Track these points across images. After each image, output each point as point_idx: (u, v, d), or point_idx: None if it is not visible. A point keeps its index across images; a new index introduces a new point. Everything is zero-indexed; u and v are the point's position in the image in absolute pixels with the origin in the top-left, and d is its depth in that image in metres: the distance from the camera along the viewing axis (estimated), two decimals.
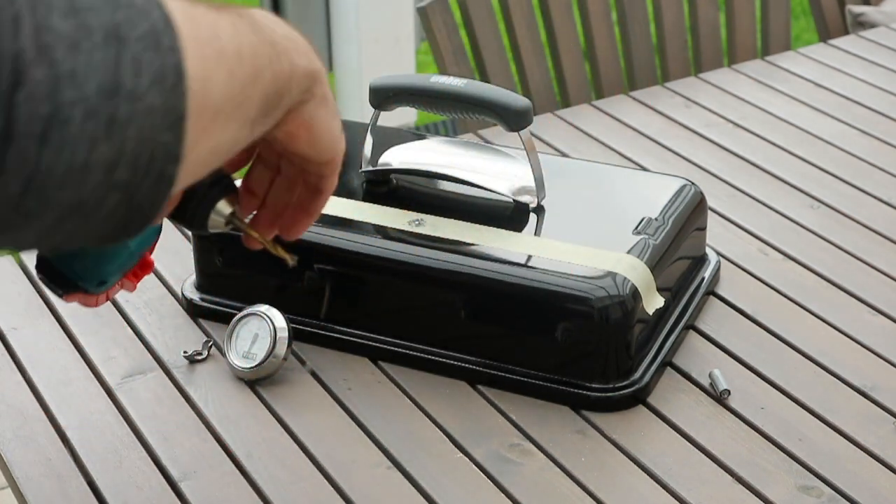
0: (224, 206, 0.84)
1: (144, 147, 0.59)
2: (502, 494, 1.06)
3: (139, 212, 0.62)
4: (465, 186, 1.27)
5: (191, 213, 0.83)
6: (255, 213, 0.88)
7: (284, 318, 1.19)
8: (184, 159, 0.62)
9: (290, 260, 0.87)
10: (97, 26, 0.57)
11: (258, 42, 0.69)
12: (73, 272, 0.90)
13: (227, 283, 1.27)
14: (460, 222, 1.22)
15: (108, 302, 1.31)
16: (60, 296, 0.91)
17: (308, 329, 1.23)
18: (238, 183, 0.87)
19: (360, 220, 1.24)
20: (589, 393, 1.15)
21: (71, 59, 0.56)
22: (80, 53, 0.56)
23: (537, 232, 1.22)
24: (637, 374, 1.16)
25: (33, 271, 1.35)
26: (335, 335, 1.23)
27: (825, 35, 2.25)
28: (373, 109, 1.30)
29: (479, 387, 1.18)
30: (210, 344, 1.23)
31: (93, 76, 0.56)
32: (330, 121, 0.79)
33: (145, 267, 0.97)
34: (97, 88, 0.56)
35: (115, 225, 0.62)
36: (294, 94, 0.74)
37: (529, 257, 1.18)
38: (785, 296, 1.33)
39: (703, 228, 1.33)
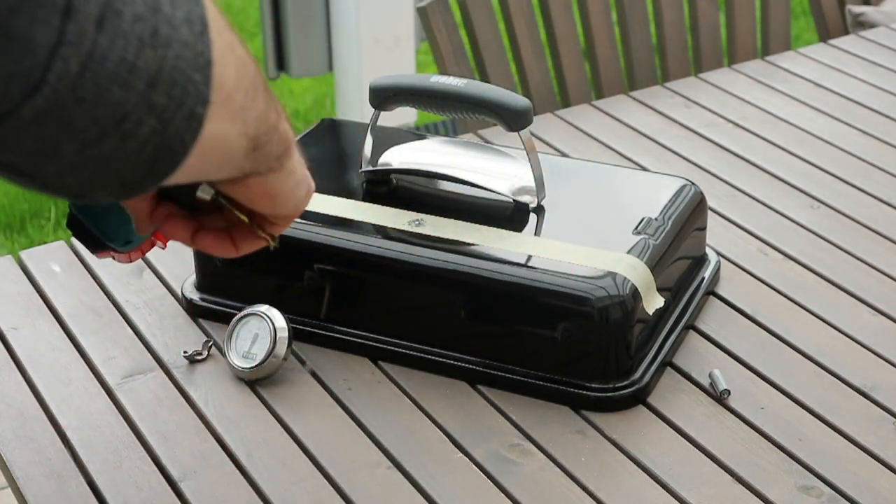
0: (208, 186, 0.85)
1: (179, 76, 0.61)
2: (502, 494, 1.06)
3: (169, 148, 0.63)
4: (465, 186, 1.27)
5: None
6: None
7: (284, 318, 1.19)
8: (211, 106, 0.64)
9: (273, 242, 0.88)
10: None
11: (256, 72, 0.71)
12: (101, 231, 0.92)
13: (227, 283, 1.27)
14: (460, 222, 1.22)
15: (108, 302, 1.31)
16: (93, 252, 0.94)
17: (308, 329, 1.23)
18: None
19: (360, 220, 1.24)
20: (589, 393, 1.15)
21: None
22: None
23: (537, 232, 1.22)
24: (637, 374, 1.16)
25: (33, 271, 1.36)
26: (335, 335, 1.23)
27: (825, 35, 2.25)
28: (373, 109, 1.30)
29: (479, 387, 1.18)
30: (210, 344, 1.23)
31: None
32: (293, 191, 0.82)
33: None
34: (143, 0, 0.59)
35: (145, 160, 0.63)
36: (271, 154, 0.75)
37: (529, 257, 1.18)
38: (785, 296, 1.33)
39: (703, 228, 1.33)
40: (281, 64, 3.18)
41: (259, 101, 0.71)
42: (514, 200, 1.25)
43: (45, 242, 1.66)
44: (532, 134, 1.26)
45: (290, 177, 0.80)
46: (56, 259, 1.39)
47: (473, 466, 1.09)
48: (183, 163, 0.65)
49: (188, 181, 0.69)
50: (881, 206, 1.50)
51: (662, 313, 1.20)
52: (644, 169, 1.57)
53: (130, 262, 0.95)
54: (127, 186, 0.65)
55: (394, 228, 1.22)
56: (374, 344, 1.22)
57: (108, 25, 0.58)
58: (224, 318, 1.23)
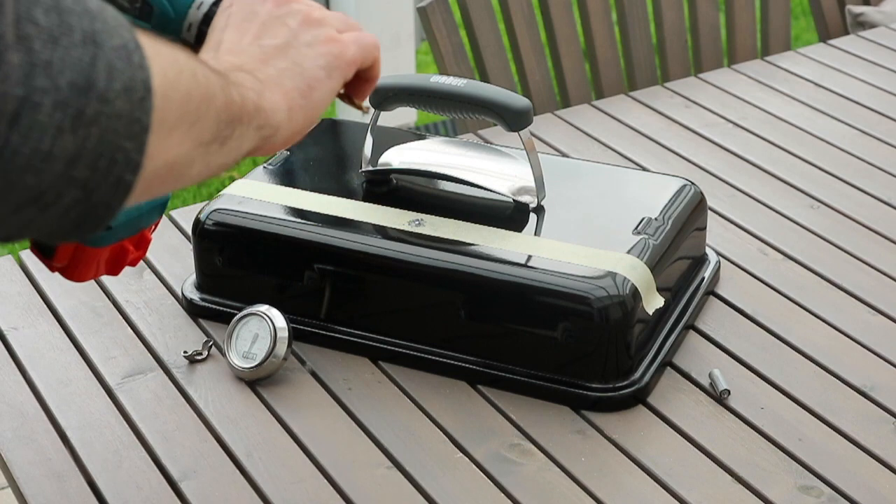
0: None
1: (106, 149, 0.61)
2: (502, 494, 1.06)
3: (94, 213, 0.64)
4: (465, 186, 1.27)
5: None
6: None
7: (284, 318, 1.19)
8: (142, 169, 0.64)
9: (365, 109, 0.94)
10: (77, 28, 0.60)
11: (210, 72, 0.72)
12: None
13: (227, 283, 1.27)
14: (460, 222, 1.22)
15: (108, 302, 1.31)
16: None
17: (308, 329, 1.23)
18: None
19: (360, 220, 1.24)
20: (589, 393, 1.15)
21: (48, 51, 0.58)
22: (59, 48, 0.59)
23: (537, 232, 1.22)
24: (637, 374, 1.16)
25: (33, 271, 1.36)
26: (335, 335, 1.23)
27: (825, 35, 2.25)
28: (373, 109, 1.30)
29: (479, 387, 1.18)
30: (210, 344, 1.23)
31: (67, 71, 0.59)
32: (312, 108, 0.83)
33: (142, 243, 0.98)
34: (69, 83, 0.59)
35: (70, 222, 0.64)
36: (248, 130, 0.76)
37: (529, 257, 1.18)
38: (785, 296, 1.33)
39: (703, 228, 1.33)
40: None
41: (217, 101, 0.72)
42: (514, 200, 1.25)
43: None
44: (532, 134, 1.26)
45: (292, 117, 0.81)
46: None
47: (473, 466, 1.09)
48: (113, 217, 0.65)
49: (153, 195, 0.69)
50: (881, 206, 1.50)
51: (662, 313, 1.20)
52: (644, 169, 1.57)
53: (91, 273, 0.95)
54: (56, 237, 0.65)
55: (394, 228, 1.22)
56: (374, 344, 1.22)
57: (22, 121, 0.58)
58: (224, 318, 1.23)
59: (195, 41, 0.94)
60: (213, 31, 0.87)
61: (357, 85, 0.91)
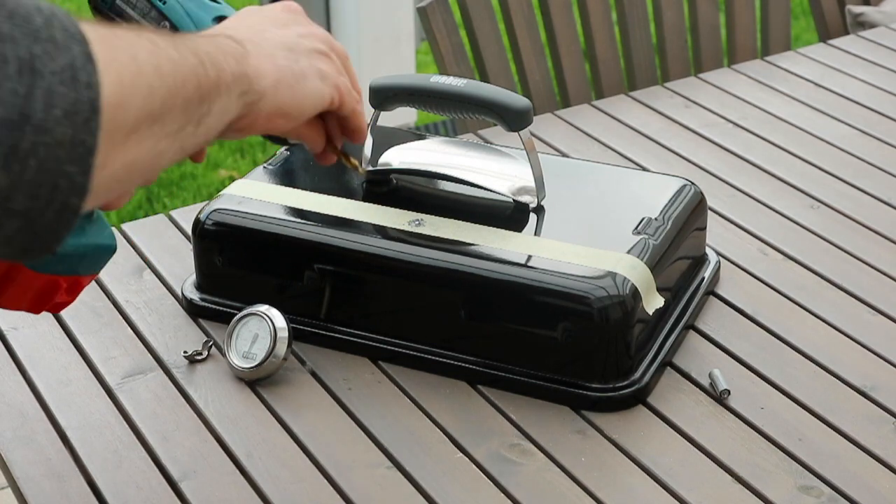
0: None
1: (47, 178, 0.59)
2: (502, 494, 1.06)
3: (40, 239, 0.62)
4: (465, 186, 1.27)
5: None
6: None
7: (284, 318, 1.19)
8: (92, 184, 0.62)
9: (361, 168, 0.95)
10: (12, 57, 0.57)
11: (178, 56, 0.71)
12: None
13: (227, 283, 1.27)
14: (460, 222, 1.22)
15: (108, 302, 1.31)
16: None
17: (308, 329, 1.23)
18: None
19: (360, 220, 1.24)
20: (589, 393, 1.15)
21: None
22: None
23: (537, 232, 1.22)
24: (637, 374, 1.16)
25: None
26: (335, 335, 1.23)
27: (825, 35, 2.25)
28: (373, 109, 1.30)
29: (479, 387, 1.18)
30: (210, 344, 1.23)
31: None
32: (300, 95, 0.83)
33: (75, 288, 0.95)
34: (0, 120, 0.57)
35: (15, 248, 0.62)
36: (229, 100, 0.76)
37: (529, 257, 1.18)
38: (785, 296, 1.33)
39: (703, 228, 1.33)
40: None
41: (186, 89, 0.70)
42: (514, 200, 1.25)
43: None
44: (532, 134, 1.26)
45: (284, 88, 0.82)
46: None
47: (473, 466, 1.09)
48: (62, 241, 0.64)
49: (113, 194, 0.68)
50: (881, 206, 1.50)
51: (662, 313, 1.20)
52: (644, 169, 1.57)
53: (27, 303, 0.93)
54: (6, 258, 0.64)
55: (394, 228, 1.22)
56: (374, 344, 1.22)
57: None
58: (224, 318, 1.23)
59: None
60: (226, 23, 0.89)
61: (341, 131, 0.92)
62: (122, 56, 0.65)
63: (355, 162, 0.99)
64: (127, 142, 0.65)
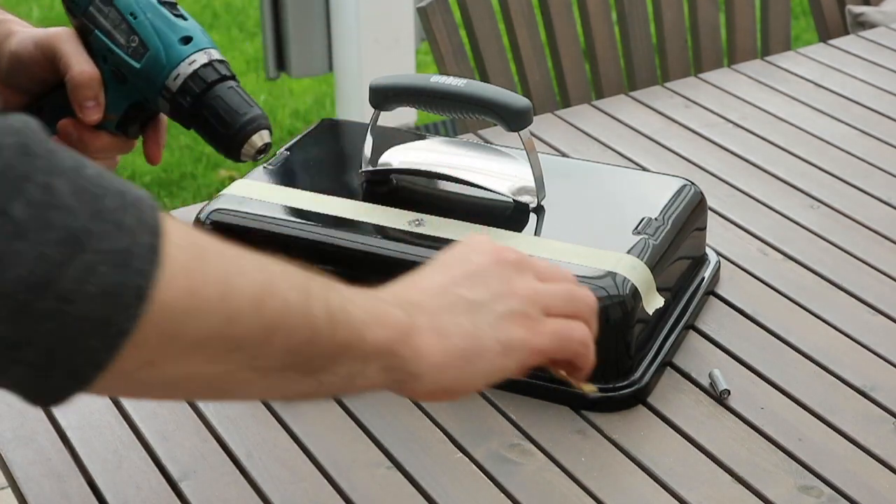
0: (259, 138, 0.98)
1: (64, 344, 0.60)
2: (502, 494, 1.06)
3: (45, 396, 0.62)
4: (465, 186, 1.27)
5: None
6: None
7: None
8: (110, 368, 0.62)
9: (588, 391, 0.89)
10: (60, 226, 0.58)
11: (297, 301, 0.69)
12: None
13: None
14: (460, 222, 1.22)
15: None
16: None
17: None
18: None
19: (360, 220, 1.24)
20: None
21: (3, 244, 0.57)
22: (20, 242, 0.57)
23: (537, 232, 1.22)
24: (637, 374, 1.16)
25: None
26: None
27: (825, 35, 2.25)
28: (373, 109, 1.30)
29: None
30: None
31: (19, 266, 0.57)
32: (469, 376, 0.77)
33: None
34: (16, 278, 0.57)
35: (21, 393, 0.62)
36: (366, 368, 0.73)
37: (529, 257, 1.17)
38: (785, 296, 1.33)
39: (703, 228, 1.33)
40: (281, 64, 3.18)
41: (295, 334, 0.68)
42: (514, 200, 1.25)
43: None
44: (532, 134, 1.26)
45: (442, 372, 0.76)
46: None
47: (473, 466, 1.09)
48: (69, 400, 0.63)
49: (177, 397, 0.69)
50: (881, 206, 1.50)
51: (662, 313, 1.20)
52: (644, 169, 1.57)
53: None
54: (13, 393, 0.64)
55: (394, 228, 1.22)
56: None
57: None
58: None
59: (177, 92, 0.96)
60: (424, 267, 0.83)
61: (568, 368, 0.85)
62: (212, 271, 0.65)
63: (591, 387, 0.89)
64: (191, 353, 0.65)
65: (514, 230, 1.21)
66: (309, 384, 0.71)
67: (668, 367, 1.21)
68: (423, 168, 1.29)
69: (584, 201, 1.29)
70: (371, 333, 0.73)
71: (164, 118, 1.02)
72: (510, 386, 1.17)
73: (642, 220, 1.22)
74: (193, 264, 0.64)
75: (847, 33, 2.22)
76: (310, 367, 0.70)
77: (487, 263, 0.82)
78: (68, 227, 0.58)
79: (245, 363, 0.67)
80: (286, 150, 1.36)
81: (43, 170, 0.58)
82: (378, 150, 1.31)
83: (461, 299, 0.79)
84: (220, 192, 1.29)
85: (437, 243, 1.19)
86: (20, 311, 0.58)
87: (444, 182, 1.29)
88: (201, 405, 1.16)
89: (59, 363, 0.60)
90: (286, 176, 1.32)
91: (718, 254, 1.37)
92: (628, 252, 1.17)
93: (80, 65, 0.98)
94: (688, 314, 1.25)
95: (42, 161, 0.59)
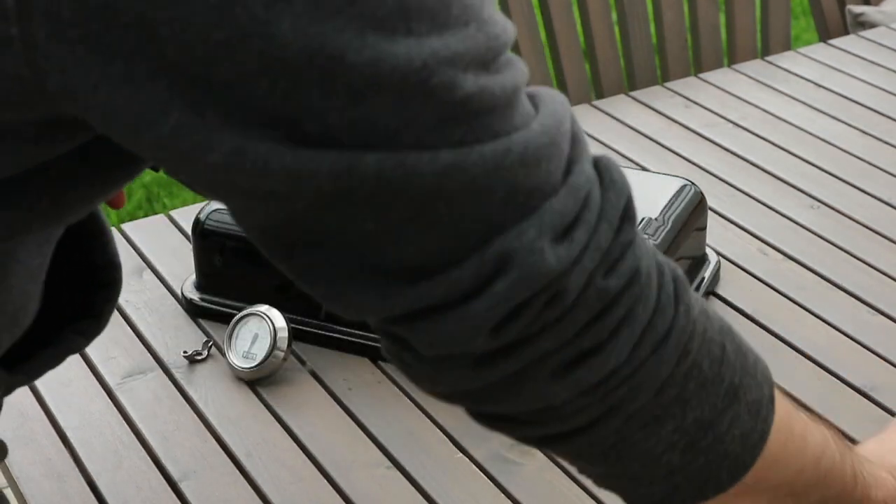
0: None
1: (703, 473, 0.69)
2: (502, 494, 1.06)
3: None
4: None
5: None
6: None
7: (284, 318, 1.19)
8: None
9: None
10: (726, 379, 0.69)
11: (839, 464, 0.78)
12: None
13: (227, 283, 1.27)
14: None
15: None
16: None
17: (308, 329, 1.23)
18: None
19: None
20: None
21: (698, 399, 0.68)
22: (698, 392, 0.68)
23: None
24: None
25: None
26: (335, 335, 1.22)
27: (825, 35, 2.25)
28: None
29: None
30: (210, 344, 1.23)
31: (697, 409, 0.68)
32: None
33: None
34: (695, 419, 0.68)
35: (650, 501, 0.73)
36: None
37: None
38: (785, 296, 1.33)
39: (703, 228, 1.33)
40: None
41: (831, 487, 0.78)
42: None
43: None
44: None
45: None
46: None
47: (473, 466, 1.09)
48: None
49: None
50: (881, 206, 1.50)
51: None
52: (644, 169, 1.57)
53: None
54: None
55: None
56: (374, 344, 1.21)
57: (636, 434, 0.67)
58: (224, 318, 1.23)
59: None
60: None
61: None
62: (795, 426, 0.74)
63: None
64: (761, 494, 0.73)
65: None
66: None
67: None
68: None
69: None
70: (874, 493, 0.82)
71: None
72: None
73: (642, 220, 1.22)
74: (786, 417, 0.72)
75: (847, 33, 2.21)
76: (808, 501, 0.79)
77: None
78: (731, 381, 0.69)
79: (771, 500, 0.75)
80: None
81: (717, 330, 0.69)
82: None
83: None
84: None
85: None
86: (690, 445, 0.68)
87: None
88: (201, 405, 1.16)
89: (692, 486, 0.70)
90: None
91: (718, 254, 1.37)
92: None
93: None
94: None
95: (720, 322, 0.69)
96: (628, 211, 0.64)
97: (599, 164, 0.64)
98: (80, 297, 0.83)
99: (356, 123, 0.56)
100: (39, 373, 0.83)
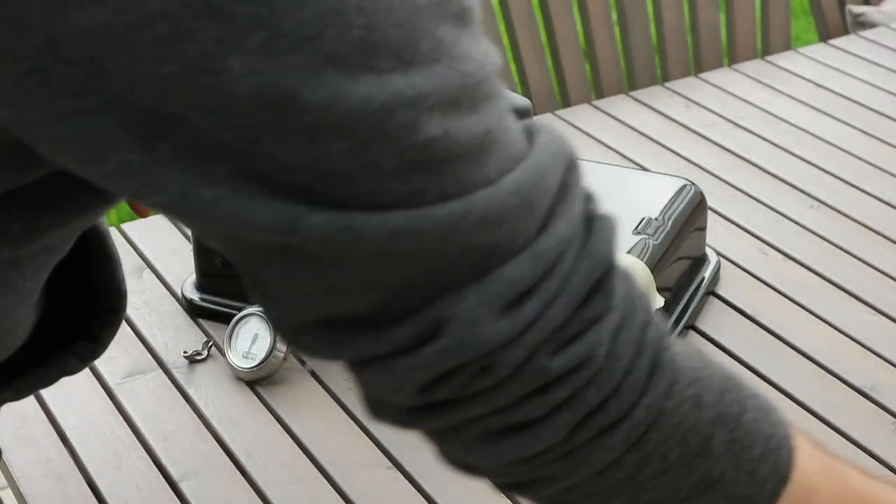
0: None
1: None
2: (502, 494, 1.06)
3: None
4: None
5: None
6: None
7: None
8: None
9: None
10: (703, 470, 0.62)
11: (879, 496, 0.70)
12: None
13: (227, 283, 1.27)
14: None
15: None
16: None
17: None
18: None
19: None
20: None
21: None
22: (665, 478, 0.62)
23: None
24: None
25: None
26: None
27: (825, 35, 2.25)
28: None
29: None
30: (210, 344, 1.23)
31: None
32: None
33: None
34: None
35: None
36: None
37: None
38: (785, 296, 1.33)
39: (703, 228, 1.33)
40: None
41: None
42: None
43: None
44: None
45: None
46: None
47: None
48: None
49: None
50: (881, 206, 1.50)
51: (662, 313, 1.20)
52: (644, 169, 1.57)
53: None
54: None
55: None
56: None
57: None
58: (224, 318, 1.23)
59: None
60: None
61: None
62: (835, 477, 0.67)
63: None
64: None
65: None
66: None
67: None
68: None
69: None
70: None
71: None
72: None
73: (642, 220, 1.22)
74: (812, 467, 0.65)
75: (847, 33, 2.21)
76: None
77: None
78: (708, 474, 0.62)
79: None
80: None
81: (708, 421, 0.62)
82: None
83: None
84: None
85: None
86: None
87: None
88: (200, 405, 1.16)
89: None
90: None
91: (718, 254, 1.37)
92: (628, 252, 1.17)
93: None
94: (688, 314, 1.25)
95: (722, 410, 0.63)
96: (603, 283, 0.59)
97: (593, 225, 0.59)
98: (82, 320, 0.82)
99: (310, 168, 0.53)
100: (29, 391, 0.82)
